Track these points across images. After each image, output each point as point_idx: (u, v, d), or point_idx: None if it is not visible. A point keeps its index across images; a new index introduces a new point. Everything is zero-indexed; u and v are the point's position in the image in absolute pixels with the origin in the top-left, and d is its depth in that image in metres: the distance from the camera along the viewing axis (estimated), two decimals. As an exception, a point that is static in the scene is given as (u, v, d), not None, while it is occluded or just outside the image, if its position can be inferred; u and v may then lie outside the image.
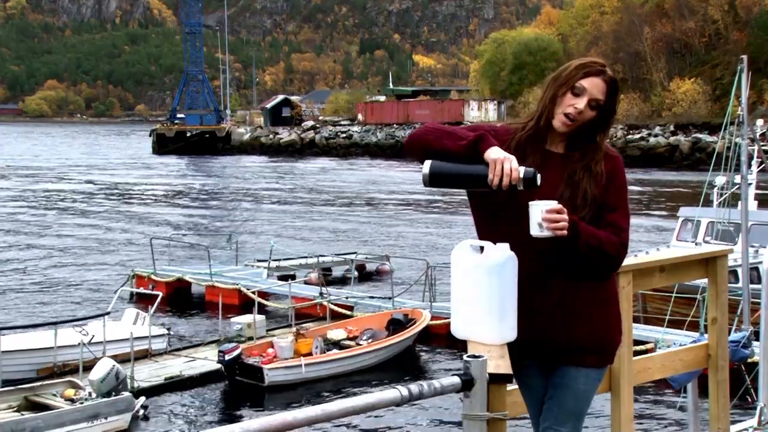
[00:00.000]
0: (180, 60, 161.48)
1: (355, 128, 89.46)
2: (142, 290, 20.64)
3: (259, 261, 23.73)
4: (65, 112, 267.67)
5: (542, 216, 2.87)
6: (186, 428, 12.95)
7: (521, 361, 3.09)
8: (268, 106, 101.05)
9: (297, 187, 53.81)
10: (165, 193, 51.65)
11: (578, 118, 3.06)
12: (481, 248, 2.95)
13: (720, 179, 17.07)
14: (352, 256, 23.71)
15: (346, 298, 19.67)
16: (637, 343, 13.51)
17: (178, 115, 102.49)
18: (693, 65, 77.44)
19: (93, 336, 14.86)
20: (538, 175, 2.88)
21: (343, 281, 23.19)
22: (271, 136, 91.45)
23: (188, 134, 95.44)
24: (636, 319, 14.47)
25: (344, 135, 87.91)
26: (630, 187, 3.22)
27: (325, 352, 15.68)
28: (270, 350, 15.37)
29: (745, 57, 11.61)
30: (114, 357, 13.78)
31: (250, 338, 16.46)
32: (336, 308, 18.71)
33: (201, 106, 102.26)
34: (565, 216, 2.89)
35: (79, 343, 14.20)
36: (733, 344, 5.43)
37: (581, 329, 3.08)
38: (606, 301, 3.14)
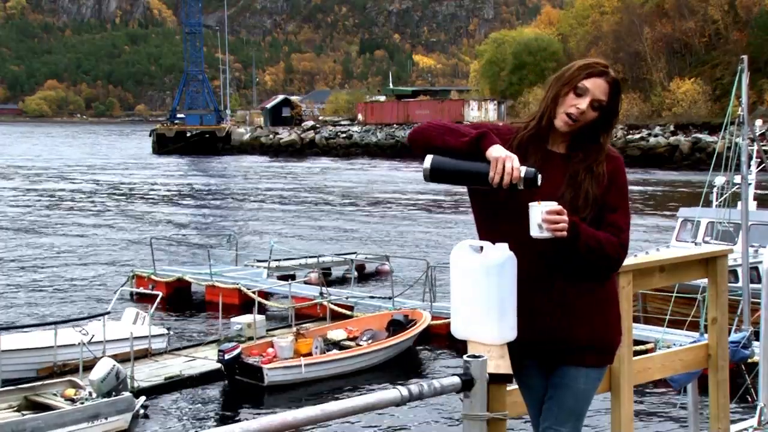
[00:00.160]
0: (180, 60, 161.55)
1: (355, 128, 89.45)
2: (142, 290, 20.65)
3: (259, 261, 23.74)
4: (65, 112, 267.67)
5: (542, 217, 2.87)
6: (186, 428, 12.95)
7: (521, 361, 3.09)
8: (268, 106, 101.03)
9: (297, 187, 53.81)
10: (165, 193, 51.65)
11: (580, 119, 3.06)
12: (481, 248, 2.94)
13: (719, 179, 17.07)
14: (352, 256, 23.71)
15: (346, 298, 19.66)
16: (637, 343, 13.51)
17: (178, 115, 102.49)
18: (693, 65, 77.45)
19: (93, 336, 14.86)
20: (539, 175, 2.88)
21: (343, 281, 23.19)
22: (271, 136, 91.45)
23: (188, 134, 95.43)
24: (636, 319, 14.47)
25: (344, 135, 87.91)
26: (630, 187, 3.23)
27: (324, 353, 15.69)
28: (270, 350, 15.38)
29: (745, 57, 11.61)
30: (114, 356, 13.78)
31: (250, 338, 16.46)
32: (336, 308, 18.71)
33: (201, 106, 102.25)
34: (565, 217, 2.89)
35: (79, 343, 14.20)
36: (733, 345, 5.43)
37: (581, 329, 3.08)
38: (606, 301, 3.14)
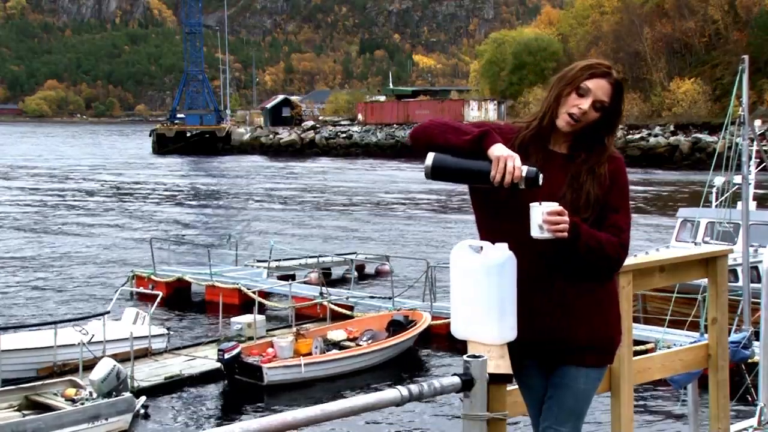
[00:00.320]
0: (180, 60, 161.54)
1: (355, 128, 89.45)
2: (142, 290, 20.66)
3: (259, 261, 23.74)
4: (65, 112, 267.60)
5: (543, 218, 2.87)
6: (186, 428, 12.95)
7: (521, 361, 3.09)
8: (268, 106, 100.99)
9: (297, 187, 53.81)
10: (165, 193, 51.64)
11: (582, 119, 3.06)
12: (481, 248, 2.94)
13: (719, 179, 17.08)
14: (352, 256, 23.71)
15: (347, 298, 19.66)
16: (637, 343, 13.51)
17: (178, 115, 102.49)
18: (693, 65, 77.44)
19: (93, 335, 14.87)
20: (541, 175, 2.88)
21: (343, 281, 23.19)
22: (271, 136, 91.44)
23: (188, 134, 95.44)
24: (636, 320, 14.47)
25: (344, 135, 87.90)
26: (630, 187, 3.23)
27: (324, 353, 15.69)
28: (270, 350, 15.38)
29: (746, 57, 11.59)
30: (114, 356, 13.78)
31: (250, 338, 16.47)
32: (336, 308, 18.71)
33: (201, 106, 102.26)
34: (566, 218, 2.88)
35: (79, 343, 14.20)
36: (733, 345, 5.43)
37: (581, 329, 3.07)
38: (606, 301, 3.14)
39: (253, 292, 19.16)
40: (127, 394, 12.59)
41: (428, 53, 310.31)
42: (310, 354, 15.46)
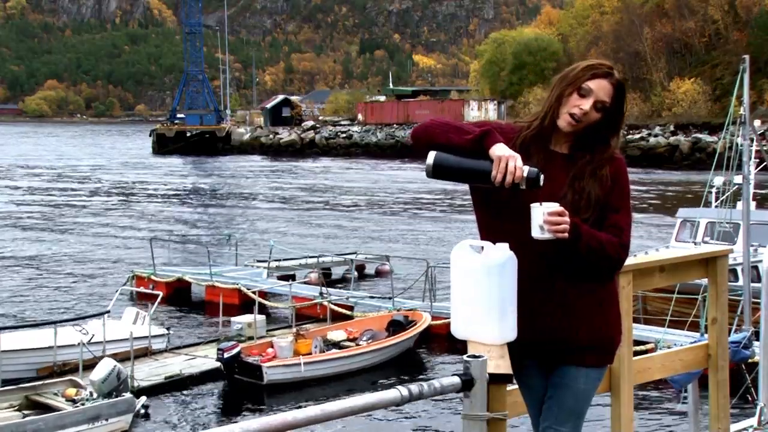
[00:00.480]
0: (180, 60, 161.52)
1: (355, 128, 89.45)
2: (142, 289, 20.66)
3: (259, 261, 23.73)
4: (65, 112, 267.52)
5: (543, 218, 2.86)
6: (186, 427, 12.95)
7: (521, 361, 3.09)
8: (268, 106, 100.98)
9: (297, 187, 53.81)
10: (165, 193, 51.65)
11: (583, 119, 3.06)
12: (481, 248, 2.94)
13: (718, 179, 17.09)
14: (352, 256, 23.71)
15: (347, 298, 19.66)
16: (637, 343, 13.51)
17: (178, 115, 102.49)
18: (693, 65, 77.44)
19: (93, 335, 14.87)
20: (542, 176, 2.88)
21: (343, 281, 23.19)
22: (271, 136, 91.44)
23: (188, 134, 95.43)
24: (636, 320, 14.48)
25: (344, 135, 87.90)
26: (630, 188, 3.22)
27: (324, 352, 15.69)
28: (270, 350, 15.38)
29: (747, 57, 11.61)
30: (114, 356, 13.78)
31: (251, 338, 16.47)
32: (336, 308, 18.71)
33: (201, 106, 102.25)
34: (567, 218, 2.88)
35: (78, 343, 14.20)
36: (733, 345, 5.43)
37: (581, 329, 3.07)
38: (606, 301, 3.14)
39: (253, 292, 19.16)
40: (128, 395, 12.58)
41: (428, 53, 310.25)
42: (309, 354, 15.46)
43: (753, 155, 17.32)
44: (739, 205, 14.70)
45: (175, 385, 14.55)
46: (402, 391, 2.54)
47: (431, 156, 2.92)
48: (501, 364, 2.82)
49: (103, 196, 49.45)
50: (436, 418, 13.19)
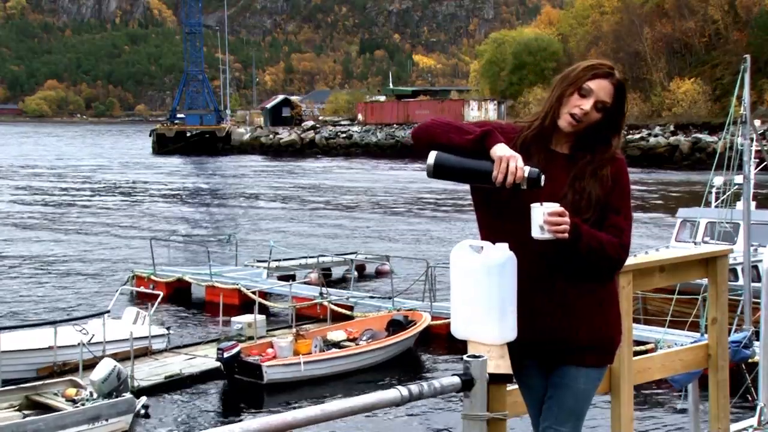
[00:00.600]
0: (180, 60, 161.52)
1: (355, 128, 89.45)
2: (142, 289, 20.67)
3: (259, 261, 23.73)
4: (65, 112, 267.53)
5: (544, 218, 2.86)
6: (186, 427, 12.95)
7: (521, 361, 3.08)
8: (268, 106, 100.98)
9: (297, 187, 53.81)
10: (165, 193, 51.65)
11: (584, 119, 3.05)
12: (481, 248, 2.94)
13: (718, 179, 17.09)
14: (352, 256, 23.71)
15: (347, 298, 19.66)
16: (637, 343, 13.51)
17: (178, 115, 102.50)
18: (693, 65, 77.44)
19: (93, 335, 14.87)
20: (543, 176, 2.88)
21: (343, 281, 23.19)
22: (271, 136, 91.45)
23: (188, 134, 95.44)
24: (636, 320, 14.48)
25: (344, 135, 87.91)
26: (631, 188, 3.22)
27: (324, 351, 15.69)
28: (269, 350, 15.38)
29: (748, 56, 11.61)
30: (114, 355, 13.79)
31: (251, 338, 16.46)
32: (336, 308, 18.70)
33: (201, 106, 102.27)
34: (567, 219, 2.88)
35: (79, 343, 14.20)
36: (734, 344, 5.43)
37: (581, 329, 3.07)
38: (606, 301, 3.14)
39: (253, 293, 19.16)
40: (128, 395, 12.58)
41: (428, 53, 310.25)
42: (309, 354, 15.46)
43: (753, 155, 17.35)
44: (739, 205, 14.71)
45: (175, 384, 14.56)
46: (402, 391, 2.54)
47: (432, 156, 2.92)
48: (501, 364, 2.82)
49: (103, 196, 49.44)
50: (436, 418, 13.19)
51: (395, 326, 16.89)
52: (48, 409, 12.32)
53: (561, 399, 3.13)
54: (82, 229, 34.50)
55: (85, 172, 68.02)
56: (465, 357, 2.73)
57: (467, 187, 3.10)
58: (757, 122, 18.01)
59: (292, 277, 22.17)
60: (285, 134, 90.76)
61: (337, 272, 24.60)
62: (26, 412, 12.40)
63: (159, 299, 17.54)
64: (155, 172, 68.56)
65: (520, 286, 2.93)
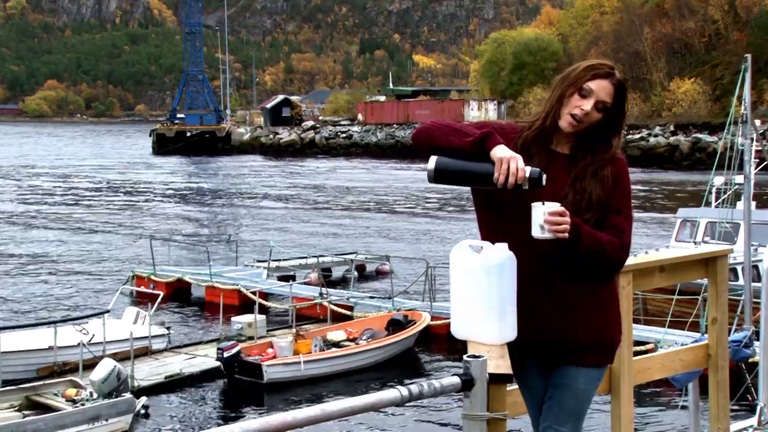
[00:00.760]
0: (180, 60, 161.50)
1: (355, 128, 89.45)
2: (143, 289, 20.67)
3: (259, 261, 23.72)
4: (65, 112, 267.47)
5: (544, 218, 2.86)
6: (186, 427, 12.95)
7: (521, 361, 3.08)
8: (268, 106, 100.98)
9: (297, 187, 53.81)
10: (165, 193, 51.65)
11: (584, 120, 3.05)
12: (481, 248, 2.94)
13: (718, 179, 17.09)
14: (352, 256, 23.71)
15: (347, 298, 19.66)
16: (637, 343, 13.50)
17: (178, 115, 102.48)
18: (693, 65, 77.44)
19: (93, 335, 14.86)
20: (544, 176, 2.87)
21: (343, 281, 23.18)
22: (271, 136, 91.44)
23: (188, 134, 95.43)
24: (636, 320, 14.47)
25: (344, 135, 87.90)
26: (631, 188, 3.22)
27: (323, 351, 15.69)
28: (269, 350, 15.38)
29: (749, 56, 11.61)
30: (114, 355, 13.79)
31: (251, 338, 16.46)
32: (336, 308, 18.70)
33: (201, 106, 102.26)
34: (567, 219, 2.87)
35: (79, 343, 14.20)
36: (734, 344, 5.42)
37: (581, 329, 3.07)
38: (606, 301, 3.14)
39: (253, 293, 19.14)
40: (128, 395, 12.58)
41: (428, 53, 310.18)
42: (309, 353, 15.46)
43: (753, 155, 17.36)
44: (739, 204, 14.71)
45: (175, 384, 14.56)
46: (402, 391, 2.54)
47: (432, 161, 2.91)
48: (501, 364, 2.82)
49: (103, 196, 49.44)
50: (436, 418, 13.19)
51: (395, 326, 16.90)
52: (48, 409, 12.31)
53: (561, 399, 3.13)
54: (82, 229, 34.50)
55: (85, 172, 68.02)
56: (465, 357, 2.73)
57: (468, 187, 3.09)
58: (758, 122, 17.98)
59: (292, 278, 22.16)
60: (285, 134, 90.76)
61: (337, 272, 24.60)
62: (26, 412, 12.39)
63: (159, 299, 17.54)
64: (155, 172, 68.56)
65: (520, 286, 2.93)
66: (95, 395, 12.47)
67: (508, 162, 2.85)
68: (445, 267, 17.62)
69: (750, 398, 7.88)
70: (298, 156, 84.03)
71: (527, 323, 2.98)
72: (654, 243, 24.60)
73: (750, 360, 6.22)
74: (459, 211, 38.93)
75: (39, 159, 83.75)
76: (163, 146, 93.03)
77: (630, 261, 3.26)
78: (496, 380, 2.78)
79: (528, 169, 2.87)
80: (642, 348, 13.65)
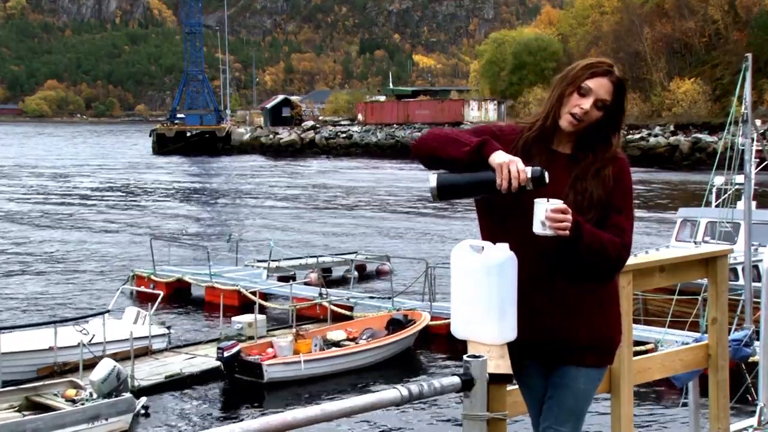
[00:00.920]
0: (180, 60, 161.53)
1: (355, 128, 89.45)
2: (143, 289, 20.67)
3: (259, 261, 23.71)
4: (65, 112, 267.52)
5: (546, 214, 2.86)
6: (186, 427, 12.95)
7: (521, 361, 3.08)
8: (268, 106, 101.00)
9: (297, 187, 53.81)
10: (165, 193, 51.65)
11: (584, 118, 3.05)
12: (481, 248, 2.94)
13: (718, 179, 17.09)
14: (352, 256, 23.70)
15: (347, 299, 19.66)
16: (637, 343, 13.50)
17: (178, 115, 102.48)
18: (693, 65, 77.44)
19: (93, 335, 14.86)
20: (546, 173, 2.87)
21: (343, 281, 23.18)
22: (271, 136, 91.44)
23: (188, 134, 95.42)
24: (636, 320, 14.47)
25: (344, 135, 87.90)
26: (633, 187, 3.21)
27: (323, 350, 15.69)
28: (270, 350, 15.38)
29: (749, 55, 11.60)
30: (114, 355, 13.78)
31: (251, 338, 16.46)
32: (336, 309, 18.70)
33: (201, 106, 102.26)
34: (569, 216, 2.87)
35: (79, 343, 14.20)
36: (735, 343, 5.43)
37: (581, 329, 3.07)
38: (606, 301, 3.14)
39: (253, 293, 19.13)
40: (128, 395, 12.58)
41: (428, 53, 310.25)
42: (310, 353, 15.46)
43: (754, 154, 17.35)
44: (740, 204, 14.71)
45: (175, 384, 14.55)
46: (402, 391, 2.54)
47: (432, 180, 2.91)
48: (501, 364, 2.82)
49: (103, 196, 49.44)
50: (436, 418, 13.19)
51: (395, 325, 16.90)
52: (47, 409, 12.31)
53: (561, 399, 3.13)
54: (82, 229, 34.50)
55: (85, 172, 68.01)
56: (465, 357, 2.73)
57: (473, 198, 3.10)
58: (758, 122, 17.97)
59: (292, 278, 22.15)
60: (285, 134, 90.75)
61: (337, 272, 24.60)
62: (26, 413, 12.39)
63: (159, 299, 17.54)
64: (155, 172, 68.56)
65: (520, 286, 2.93)
66: (95, 395, 12.47)
67: (508, 166, 2.85)
68: (444, 267, 17.63)
69: (750, 398, 7.88)
70: (298, 156, 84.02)
71: (527, 323, 2.98)
72: (654, 243, 24.60)
73: (750, 360, 6.22)
74: (459, 211, 38.93)
75: (39, 159, 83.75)
76: (163, 146, 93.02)
77: (630, 261, 3.26)
78: (496, 380, 2.78)
79: (529, 169, 2.86)
80: (642, 348, 13.65)
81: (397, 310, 18.01)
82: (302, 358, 15.00)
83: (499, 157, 2.87)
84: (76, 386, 12.91)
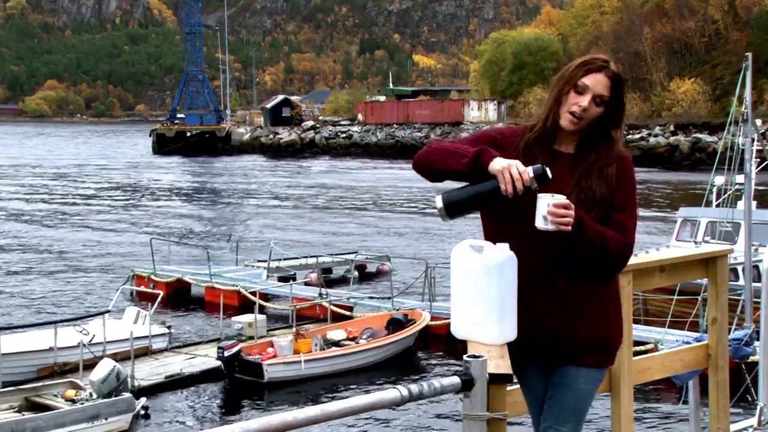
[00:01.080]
0: (180, 60, 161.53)
1: (355, 128, 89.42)
2: (143, 289, 20.66)
3: (259, 261, 23.70)
4: (65, 112, 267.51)
5: (548, 209, 2.86)
6: (186, 427, 12.94)
7: (521, 360, 3.08)
8: (268, 106, 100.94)
9: (297, 187, 53.80)
10: (165, 193, 51.64)
11: (584, 116, 3.05)
12: (481, 248, 2.94)
13: (719, 179, 17.09)
14: (352, 256, 23.70)
15: (347, 299, 19.66)
16: (637, 343, 13.49)
17: (178, 115, 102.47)
18: (693, 65, 77.42)
19: (93, 336, 14.86)
20: (547, 169, 2.88)
21: (343, 281, 23.17)
22: (271, 136, 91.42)
23: (188, 134, 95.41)
24: (636, 320, 14.47)
25: (344, 135, 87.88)
26: (636, 186, 3.21)
27: (324, 350, 15.69)
28: (270, 350, 15.38)
29: (750, 55, 11.60)
30: (114, 355, 13.78)
31: (251, 337, 16.45)
32: (336, 309, 18.69)
33: (201, 106, 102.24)
34: (572, 212, 2.87)
35: (79, 343, 14.19)
36: (735, 342, 5.43)
37: (582, 329, 3.07)
38: (607, 301, 3.13)
39: (252, 293, 19.13)
40: (127, 395, 12.58)
41: (428, 53, 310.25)
42: (310, 352, 15.46)
43: (754, 154, 17.35)
44: (740, 204, 14.71)
45: (175, 384, 14.55)
46: (402, 390, 2.54)
47: (439, 200, 2.94)
48: (501, 364, 2.82)
49: (103, 195, 49.44)
50: (436, 418, 13.19)
51: (395, 325, 16.90)
52: (47, 410, 12.30)
53: (561, 399, 3.12)
54: (82, 229, 34.49)
55: (85, 172, 68.01)
56: (465, 357, 2.73)
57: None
58: (758, 122, 17.97)
59: (293, 278, 22.14)
60: (285, 134, 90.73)
61: (337, 272, 24.59)
62: (25, 413, 12.39)
63: (159, 298, 17.54)
64: (155, 172, 68.56)
65: (520, 286, 2.93)
66: (95, 396, 12.47)
67: (509, 170, 2.85)
68: (444, 267, 17.63)
69: (750, 398, 7.88)
70: (298, 156, 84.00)
71: (527, 323, 2.98)
72: (654, 242, 24.60)
73: (750, 359, 6.22)
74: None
75: (39, 159, 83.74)
76: (163, 146, 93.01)
77: (630, 261, 3.27)
78: (496, 380, 2.78)
79: (530, 168, 2.87)
80: (642, 348, 13.64)
81: (397, 310, 18.01)
82: (302, 357, 15.00)
83: (497, 164, 2.88)
84: (76, 386, 12.91)
